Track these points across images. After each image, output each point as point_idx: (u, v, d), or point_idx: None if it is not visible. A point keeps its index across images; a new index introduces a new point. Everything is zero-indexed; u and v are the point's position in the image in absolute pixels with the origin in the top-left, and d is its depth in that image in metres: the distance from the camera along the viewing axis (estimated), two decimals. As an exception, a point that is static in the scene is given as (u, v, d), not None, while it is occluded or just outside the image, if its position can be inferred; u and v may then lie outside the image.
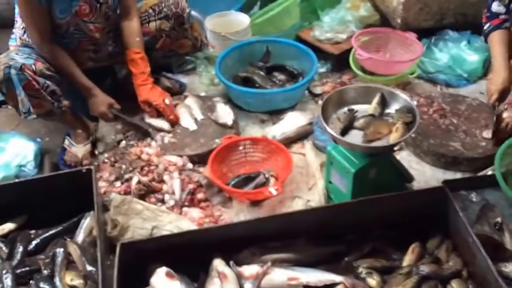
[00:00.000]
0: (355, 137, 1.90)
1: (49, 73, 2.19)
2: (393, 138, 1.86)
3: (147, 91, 2.40)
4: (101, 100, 2.36)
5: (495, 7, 2.32)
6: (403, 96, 1.99)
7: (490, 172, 2.11)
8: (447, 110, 2.44)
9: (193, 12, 2.88)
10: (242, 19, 2.89)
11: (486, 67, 2.75)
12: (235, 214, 2.11)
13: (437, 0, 2.78)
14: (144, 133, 2.42)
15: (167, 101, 2.42)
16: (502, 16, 2.32)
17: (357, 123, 1.94)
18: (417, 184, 2.18)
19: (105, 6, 2.32)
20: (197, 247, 1.78)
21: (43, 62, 2.19)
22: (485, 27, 2.36)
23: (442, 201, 1.86)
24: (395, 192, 1.90)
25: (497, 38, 2.32)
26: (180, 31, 2.54)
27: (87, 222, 2.01)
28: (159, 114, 2.44)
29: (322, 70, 2.80)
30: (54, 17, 2.21)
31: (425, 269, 1.77)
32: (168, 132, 2.41)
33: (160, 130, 2.42)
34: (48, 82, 2.17)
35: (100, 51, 2.44)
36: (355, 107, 1.99)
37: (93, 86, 2.34)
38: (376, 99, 1.98)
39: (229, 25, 2.85)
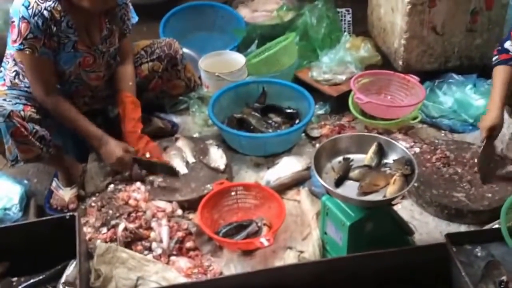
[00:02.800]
0: (350, 188, 1.81)
1: (38, 117, 2.12)
2: (390, 191, 1.78)
3: (134, 141, 2.32)
4: (115, 145, 2.25)
5: (508, 45, 2.27)
6: (401, 146, 1.91)
7: (496, 226, 2.00)
8: (451, 158, 2.35)
9: (188, 51, 2.85)
10: (238, 59, 2.82)
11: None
12: (225, 264, 2.01)
13: (441, 42, 2.72)
14: (169, 172, 2.32)
15: (147, 155, 2.31)
16: None
17: (353, 174, 1.85)
18: (419, 236, 2.08)
19: (107, 54, 2.28)
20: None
21: (32, 106, 2.11)
22: (494, 59, 2.33)
23: (444, 258, 1.75)
24: (394, 248, 1.80)
25: (500, 74, 2.26)
26: (172, 72, 2.49)
27: (71, 270, 1.89)
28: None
29: (321, 112, 2.71)
30: (58, 67, 2.17)
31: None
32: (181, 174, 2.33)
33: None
34: (36, 127, 2.09)
35: (96, 96, 2.39)
36: (350, 156, 1.91)
37: (103, 134, 2.26)
38: (372, 149, 1.90)
39: (224, 65, 2.79)
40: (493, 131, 2.22)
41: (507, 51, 2.27)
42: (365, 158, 1.90)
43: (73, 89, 2.29)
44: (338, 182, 1.82)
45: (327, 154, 1.91)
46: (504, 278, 1.79)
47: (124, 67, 2.37)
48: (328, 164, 1.89)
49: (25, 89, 2.19)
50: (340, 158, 1.91)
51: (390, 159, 1.90)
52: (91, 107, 2.42)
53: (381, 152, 1.91)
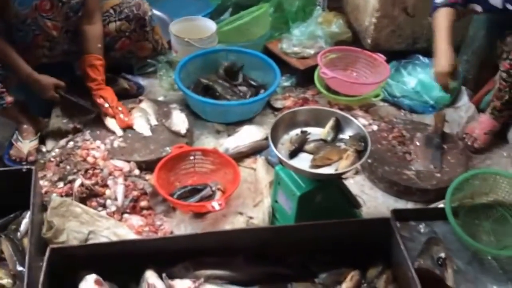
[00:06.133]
0: (304, 160, 1.84)
1: None
2: (342, 166, 1.81)
3: (102, 92, 2.37)
4: (45, 83, 2.29)
5: None
6: (357, 123, 1.94)
7: (441, 205, 2.06)
8: (407, 138, 2.40)
9: (160, 14, 2.85)
10: (209, 26, 2.83)
11: (454, 96, 2.72)
12: (176, 224, 2.05)
13: (410, 23, 2.74)
14: (86, 114, 2.40)
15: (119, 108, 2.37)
16: None
17: (308, 147, 1.88)
18: (366, 210, 2.14)
19: (66, 6, 2.25)
20: (130, 257, 1.72)
21: None
22: (438, 1, 2.25)
23: (386, 232, 1.80)
24: (338, 219, 1.84)
25: (444, 16, 2.21)
26: (140, 34, 2.48)
27: (25, 221, 1.94)
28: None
29: (286, 84, 2.74)
30: (13, 6, 2.13)
31: (359, 298, 1.72)
32: (119, 136, 2.34)
33: (111, 133, 2.36)
34: None
35: (55, 48, 2.37)
36: (308, 129, 1.93)
37: (32, 71, 2.25)
38: (330, 124, 1.93)
39: (194, 31, 2.79)
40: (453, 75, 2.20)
41: None
42: (322, 132, 1.93)
43: (31, 37, 2.26)
44: (293, 154, 1.85)
45: (285, 125, 1.93)
46: (442, 254, 1.87)
47: (92, 27, 2.35)
48: (285, 135, 1.92)
49: None
50: (298, 131, 1.93)
51: (346, 134, 1.93)
52: (52, 59, 2.41)
53: (338, 128, 1.94)
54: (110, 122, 2.39)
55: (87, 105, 2.41)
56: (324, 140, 1.91)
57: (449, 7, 2.21)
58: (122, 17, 2.42)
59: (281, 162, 1.88)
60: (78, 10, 2.32)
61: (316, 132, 1.93)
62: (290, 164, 1.81)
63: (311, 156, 1.85)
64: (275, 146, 1.85)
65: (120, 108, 2.39)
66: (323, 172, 1.82)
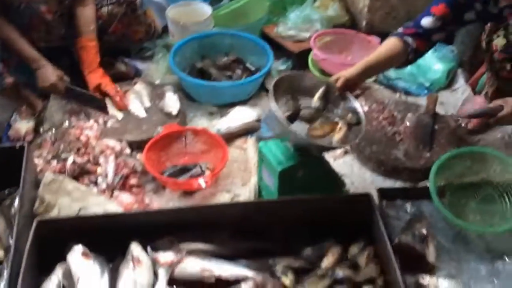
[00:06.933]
0: (299, 128, 1.81)
1: None
2: (336, 138, 1.81)
3: (98, 77, 2.41)
4: (51, 71, 2.34)
5: (426, 21, 1.99)
6: (351, 97, 1.90)
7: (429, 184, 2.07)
8: (398, 118, 2.39)
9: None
10: (205, 10, 2.87)
11: (450, 78, 2.70)
12: (165, 202, 2.10)
13: (404, 5, 2.74)
14: (97, 106, 2.42)
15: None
16: (419, 31, 1.99)
17: (303, 114, 1.86)
18: (354, 189, 2.17)
19: None
20: (116, 230, 1.77)
21: None
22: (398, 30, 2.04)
23: (368, 208, 1.83)
24: (319, 195, 1.87)
25: (387, 44, 2.00)
26: (132, 17, 2.54)
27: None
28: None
29: (282, 67, 2.76)
30: None
31: (339, 273, 1.75)
32: (119, 120, 2.40)
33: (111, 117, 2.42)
34: None
35: (52, 32, 2.44)
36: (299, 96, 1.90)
37: (40, 57, 2.32)
38: (319, 92, 1.87)
39: (190, 15, 2.84)
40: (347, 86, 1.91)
41: (416, 26, 2.00)
42: (313, 100, 1.88)
43: (27, 21, 2.33)
44: (290, 119, 1.81)
45: (284, 88, 1.85)
46: (424, 231, 1.88)
47: (83, 9, 2.40)
48: (282, 98, 1.86)
49: None
50: (289, 96, 1.88)
51: (340, 107, 1.90)
52: (50, 44, 2.47)
53: (326, 97, 1.88)
54: (110, 107, 2.44)
55: (96, 96, 2.44)
56: (318, 109, 1.87)
57: (399, 38, 1.99)
58: (114, 1, 2.47)
59: (281, 129, 1.78)
60: None
61: (306, 102, 1.89)
62: (291, 130, 1.74)
63: (304, 125, 1.84)
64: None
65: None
66: (323, 144, 1.79)
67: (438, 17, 1.98)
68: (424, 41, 2.01)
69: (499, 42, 2.11)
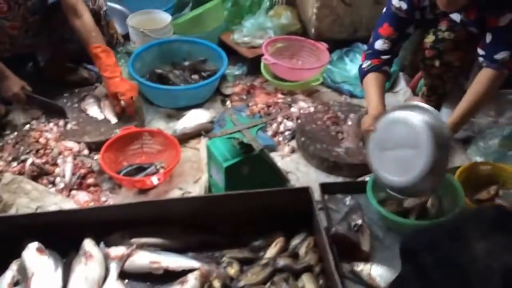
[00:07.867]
0: None
1: None
2: None
3: (116, 84, 2.46)
4: (13, 82, 2.43)
5: (379, 45, 2.19)
6: None
7: (367, 179, 2.21)
8: (341, 118, 2.53)
9: (120, 8, 3.02)
10: (164, 18, 3.00)
11: (393, 81, 2.86)
12: (121, 200, 2.20)
13: (349, 13, 2.89)
14: (57, 112, 2.52)
15: (133, 98, 2.48)
16: (384, 57, 2.20)
17: None
18: (300, 185, 2.27)
19: (23, 7, 2.38)
20: (71, 226, 1.86)
21: None
22: (364, 65, 2.22)
23: (307, 201, 1.95)
24: (262, 189, 1.98)
25: (373, 80, 2.19)
26: None
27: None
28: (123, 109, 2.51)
29: (238, 72, 2.90)
30: None
31: (280, 262, 1.86)
32: (72, 120, 2.51)
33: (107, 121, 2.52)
34: None
35: (16, 44, 2.51)
36: None
37: (5, 69, 2.42)
38: None
39: (150, 23, 2.97)
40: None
41: (378, 53, 2.19)
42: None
43: None
44: None
45: None
46: (359, 221, 2.00)
47: (80, 21, 2.43)
48: None
49: None
50: None
51: None
52: (14, 52, 2.56)
53: None
54: (107, 110, 2.55)
55: (57, 104, 2.53)
56: None
57: (375, 71, 2.19)
58: None
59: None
60: (35, 12, 2.45)
61: None
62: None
63: None
64: None
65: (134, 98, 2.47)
66: None
67: (385, 38, 2.18)
68: (391, 56, 2.22)
69: (428, 39, 2.32)
